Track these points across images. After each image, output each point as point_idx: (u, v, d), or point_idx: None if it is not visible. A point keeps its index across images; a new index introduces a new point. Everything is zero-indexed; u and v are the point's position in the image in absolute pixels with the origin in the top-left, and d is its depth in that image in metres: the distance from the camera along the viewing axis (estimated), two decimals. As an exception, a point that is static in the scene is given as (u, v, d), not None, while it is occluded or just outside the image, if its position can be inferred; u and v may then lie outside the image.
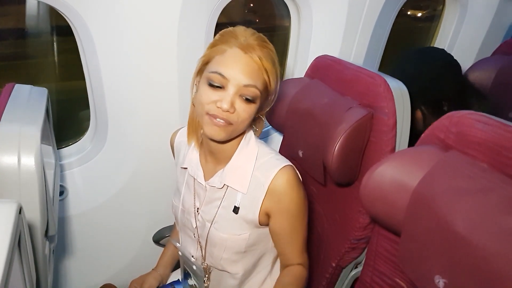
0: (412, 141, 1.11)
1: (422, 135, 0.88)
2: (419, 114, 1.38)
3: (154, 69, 1.31)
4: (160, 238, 1.55)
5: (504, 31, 2.24)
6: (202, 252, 1.09)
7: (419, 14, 3.01)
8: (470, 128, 0.77)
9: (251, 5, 2.04)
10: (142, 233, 1.60)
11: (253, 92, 0.89)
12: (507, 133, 0.71)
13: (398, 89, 1.08)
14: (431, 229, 0.73)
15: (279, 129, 1.51)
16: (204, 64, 0.94)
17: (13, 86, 1.00)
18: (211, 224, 1.03)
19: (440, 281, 0.71)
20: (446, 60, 1.40)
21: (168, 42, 1.28)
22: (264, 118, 1.06)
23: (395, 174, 0.81)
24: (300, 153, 1.26)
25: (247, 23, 2.07)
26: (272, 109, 1.04)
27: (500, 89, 1.62)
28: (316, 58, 1.42)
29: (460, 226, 0.68)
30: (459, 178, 0.73)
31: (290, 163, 0.99)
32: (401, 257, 0.83)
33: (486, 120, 0.75)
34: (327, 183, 1.27)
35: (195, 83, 0.98)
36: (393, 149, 1.08)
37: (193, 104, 1.01)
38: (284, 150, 1.45)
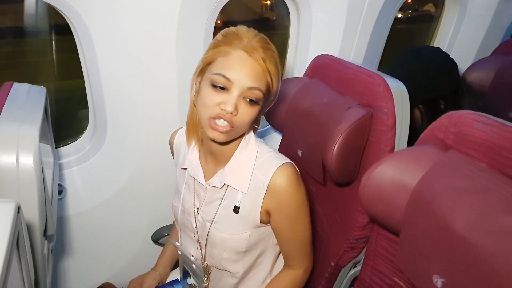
0: (410, 140, 1.12)
1: (421, 134, 0.88)
2: (416, 112, 1.39)
3: (153, 68, 1.31)
4: (159, 237, 1.55)
5: (504, 30, 2.24)
6: (202, 252, 1.09)
7: (400, 15, 2.96)
8: (470, 128, 0.77)
9: (269, 2, 2.05)
10: (141, 232, 1.60)
11: (256, 94, 0.89)
12: (507, 133, 0.71)
13: (398, 89, 1.08)
14: (430, 228, 0.73)
15: (278, 128, 1.51)
16: (206, 65, 0.93)
17: (11, 85, 1.00)
18: (211, 224, 1.03)
19: (438, 281, 0.71)
20: (443, 59, 1.40)
21: (167, 41, 1.27)
22: (262, 118, 1.07)
23: (394, 174, 0.81)
24: (300, 153, 1.26)
25: (265, 21, 2.08)
26: (271, 109, 1.04)
27: (499, 89, 1.62)
28: (316, 57, 1.42)
29: (459, 225, 0.68)
30: (458, 178, 0.73)
31: (290, 161, 0.99)
32: (400, 257, 0.83)
33: (486, 120, 0.75)
34: (326, 183, 1.27)
35: (195, 83, 0.98)
36: (392, 149, 1.08)
37: (193, 104, 1.00)
38: (283, 150, 1.45)
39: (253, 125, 1.04)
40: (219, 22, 2.36)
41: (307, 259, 1.10)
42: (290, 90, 1.33)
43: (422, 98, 1.35)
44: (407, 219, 0.79)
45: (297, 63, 1.68)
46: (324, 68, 1.35)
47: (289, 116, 1.32)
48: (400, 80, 1.15)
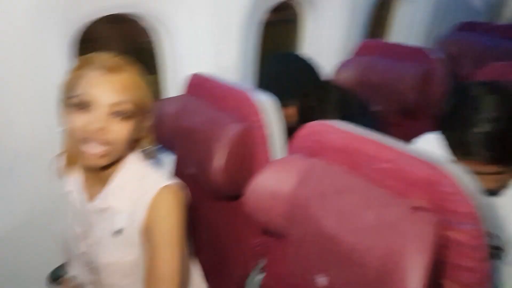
0: None
1: (289, 144, 0.96)
2: (288, 111, 1.50)
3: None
4: (57, 278, 1.40)
5: (361, 29, 2.40)
6: (93, 278, 1.03)
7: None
8: (327, 136, 0.86)
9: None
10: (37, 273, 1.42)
11: (123, 108, 0.88)
12: (357, 139, 0.81)
13: (267, 102, 1.14)
14: (306, 231, 0.81)
15: (168, 148, 1.49)
16: (67, 91, 0.89)
17: None
18: (96, 248, 0.98)
19: (320, 279, 0.78)
20: (300, 62, 1.60)
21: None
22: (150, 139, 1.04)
23: (270, 184, 0.88)
24: (191, 170, 1.26)
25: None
26: (157, 129, 1.02)
27: (364, 89, 1.77)
28: (192, 75, 1.43)
29: (329, 226, 0.76)
30: (324, 182, 0.81)
31: (177, 182, 0.97)
32: (289, 259, 0.89)
33: (339, 129, 0.85)
34: (220, 198, 1.29)
35: (62, 113, 0.92)
36: (270, 160, 1.14)
37: (66, 133, 0.95)
38: (177, 168, 1.44)
39: (138, 144, 1.01)
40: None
41: None
42: (171, 108, 1.33)
43: (287, 97, 1.48)
44: (288, 225, 0.86)
45: (174, 82, 1.68)
46: (200, 86, 1.37)
47: (176, 135, 1.32)
48: (268, 83, 1.33)
